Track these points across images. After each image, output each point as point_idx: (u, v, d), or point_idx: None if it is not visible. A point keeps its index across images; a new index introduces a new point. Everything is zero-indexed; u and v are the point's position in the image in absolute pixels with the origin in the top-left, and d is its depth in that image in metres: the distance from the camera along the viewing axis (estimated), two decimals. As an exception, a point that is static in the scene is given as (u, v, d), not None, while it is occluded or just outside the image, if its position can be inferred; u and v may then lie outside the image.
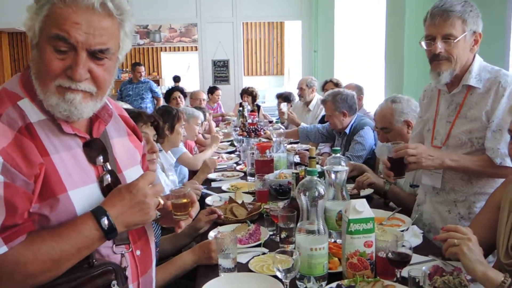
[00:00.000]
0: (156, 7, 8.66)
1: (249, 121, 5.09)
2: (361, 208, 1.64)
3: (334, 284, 1.58)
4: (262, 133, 4.77)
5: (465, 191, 2.11)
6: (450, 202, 2.16)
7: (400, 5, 4.29)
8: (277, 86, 12.34)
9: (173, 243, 2.29)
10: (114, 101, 1.54)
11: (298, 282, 1.64)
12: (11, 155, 1.10)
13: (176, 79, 11.33)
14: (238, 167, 3.78)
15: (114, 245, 1.28)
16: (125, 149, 1.43)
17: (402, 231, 2.06)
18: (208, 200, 2.80)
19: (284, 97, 6.54)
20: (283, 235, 1.93)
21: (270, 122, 6.26)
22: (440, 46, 2.00)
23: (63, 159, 1.21)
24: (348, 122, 3.93)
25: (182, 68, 12.98)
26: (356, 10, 6.73)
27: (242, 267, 1.82)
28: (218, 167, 3.77)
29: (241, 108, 5.55)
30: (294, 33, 11.03)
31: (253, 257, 1.90)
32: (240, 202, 2.54)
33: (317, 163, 2.50)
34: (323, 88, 5.42)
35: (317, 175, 1.70)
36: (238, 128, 5.22)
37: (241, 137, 4.68)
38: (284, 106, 5.57)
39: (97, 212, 1.17)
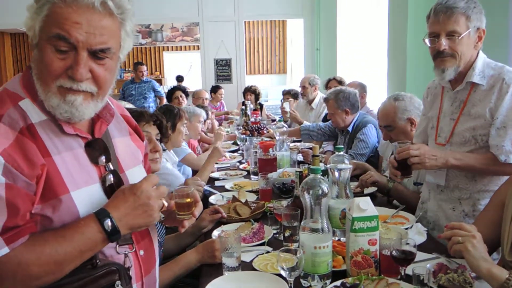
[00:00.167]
0: (158, 7, 8.66)
1: (252, 119, 5.09)
2: (365, 206, 1.63)
3: (338, 282, 1.57)
4: (265, 131, 4.77)
5: (469, 189, 2.10)
6: (454, 200, 2.15)
7: (403, 2, 4.28)
8: (279, 85, 12.30)
9: (177, 242, 2.29)
10: (116, 100, 1.53)
11: (302, 281, 1.64)
12: (12, 156, 1.10)
13: (179, 78, 11.33)
14: (241, 166, 3.78)
15: (118, 245, 1.28)
16: (127, 148, 1.42)
17: (406, 229, 2.05)
18: (212, 199, 2.80)
19: (293, 94, 6.52)
20: (287, 233, 1.93)
21: (273, 120, 6.26)
22: (444, 43, 2.00)
23: (65, 159, 1.20)
24: (351, 120, 3.92)
25: (185, 68, 12.98)
26: (358, 8, 6.71)
27: (246, 266, 1.82)
28: (221, 166, 3.77)
29: (243, 107, 5.55)
30: (296, 31, 11.02)
31: (257, 256, 1.90)
32: (243, 201, 2.54)
33: (321, 161, 2.50)
34: (327, 86, 5.41)
35: (321, 173, 1.69)
36: (241, 127, 5.22)
37: (244, 136, 4.67)
38: (286, 104, 5.57)
39: (100, 215, 1.16)
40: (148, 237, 1.41)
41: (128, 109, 1.65)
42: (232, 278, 1.70)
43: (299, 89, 6.05)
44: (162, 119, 2.43)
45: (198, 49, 10.69)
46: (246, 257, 1.87)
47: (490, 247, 1.59)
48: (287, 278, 1.56)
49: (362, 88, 4.83)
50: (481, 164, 2.01)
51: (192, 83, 11.57)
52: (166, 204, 1.28)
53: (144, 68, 8.09)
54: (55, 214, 1.16)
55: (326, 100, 4.02)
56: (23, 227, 1.11)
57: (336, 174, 1.95)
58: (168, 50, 13.54)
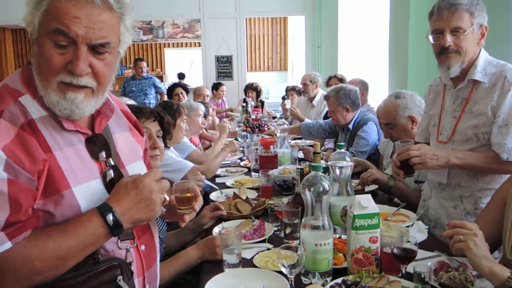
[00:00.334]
0: (159, 3, 8.65)
1: (253, 116, 5.08)
2: (366, 203, 1.63)
3: (339, 280, 1.57)
4: (266, 128, 4.76)
5: (471, 187, 2.10)
6: (456, 198, 2.15)
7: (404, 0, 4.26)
8: (280, 82, 12.30)
9: (178, 238, 2.29)
10: (116, 96, 1.53)
11: (303, 278, 1.64)
12: (14, 152, 1.10)
13: (181, 76, 11.31)
14: (242, 163, 3.78)
15: (119, 240, 1.28)
16: (127, 144, 1.42)
17: (407, 226, 2.05)
18: (213, 196, 2.80)
19: (298, 91, 6.51)
20: (288, 230, 1.93)
21: (274, 118, 6.25)
22: (449, 39, 1.99)
23: (66, 155, 1.20)
24: (351, 118, 3.91)
25: (186, 64, 12.95)
26: (360, 5, 6.69)
27: (247, 263, 1.82)
28: (222, 163, 3.77)
29: (244, 104, 5.54)
30: (298, 28, 11.00)
31: (257, 253, 1.90)
32: (244, 197, 2.54)
33: (322, 158, 2.49)
34: (327, 83, 5.39)
35: (322, 170, 1.69)
36: (242, 124, 5.21)
37: (245, 133, 4.66)
38: (287, 102, 5.55)
39: (103, 209, 1.16)
40: (149, 232, 1.41)
41: (128, 105, 1.65)
42: (233, 275, 1.70)
43: (300, 86, 6.04)
44: (164, 115, 2.41)
45: (199, 45, 10.67)
46: (247, 254, 1.87)
47: (491, 246, 1.59)
48: (288, 275, 1.56)
49: (363, 85, 4.82)
50: (483, 162, 2.01)
51: (193, 80, 11.55)
52: (168, 198, 1.29)
53: (144, 64, 8.08)
54: (57, 210, 1.16)
55: (326, 97, 4.01)
56: (26, 222, 1.11)
57: (337, 171, 1.95)
58: (169, 46, 13.50)
